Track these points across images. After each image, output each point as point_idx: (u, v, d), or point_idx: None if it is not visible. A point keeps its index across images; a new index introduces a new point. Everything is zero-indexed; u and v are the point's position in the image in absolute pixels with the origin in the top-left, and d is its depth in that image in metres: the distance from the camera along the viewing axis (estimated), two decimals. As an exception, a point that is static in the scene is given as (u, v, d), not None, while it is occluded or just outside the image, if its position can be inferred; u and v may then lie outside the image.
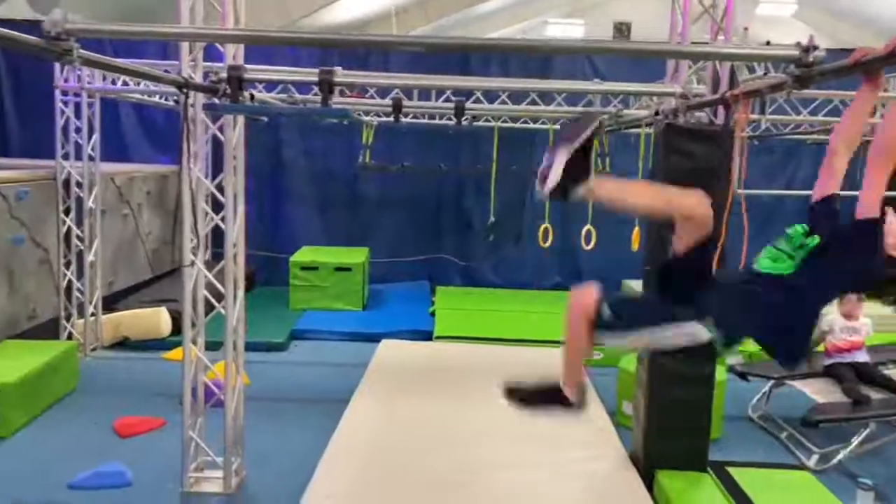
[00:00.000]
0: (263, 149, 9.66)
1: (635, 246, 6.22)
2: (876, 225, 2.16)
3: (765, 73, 5.04)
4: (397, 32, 10.19)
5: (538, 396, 2.55)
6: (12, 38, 2.24)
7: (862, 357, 5.46)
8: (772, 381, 5.67)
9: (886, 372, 5.53)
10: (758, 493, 3.94)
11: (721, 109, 4.07)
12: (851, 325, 5.51)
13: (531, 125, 8.76)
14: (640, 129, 6.95)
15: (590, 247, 6.84)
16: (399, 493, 3.85)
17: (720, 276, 2.45)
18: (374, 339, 7.12)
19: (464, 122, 6.71)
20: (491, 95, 7.44)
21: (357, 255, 9.15)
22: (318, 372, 6.69)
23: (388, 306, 9.07)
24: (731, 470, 4.24)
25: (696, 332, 2.27)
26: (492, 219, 8.10)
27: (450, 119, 7.48)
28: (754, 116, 5.99)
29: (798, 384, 5.47)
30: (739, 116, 3.62)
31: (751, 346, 7.03)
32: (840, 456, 4.84)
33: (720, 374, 4.92)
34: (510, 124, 8.55)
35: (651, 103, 5.94)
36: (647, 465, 4.19)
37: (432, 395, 5.32)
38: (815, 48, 2.59)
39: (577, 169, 2.25)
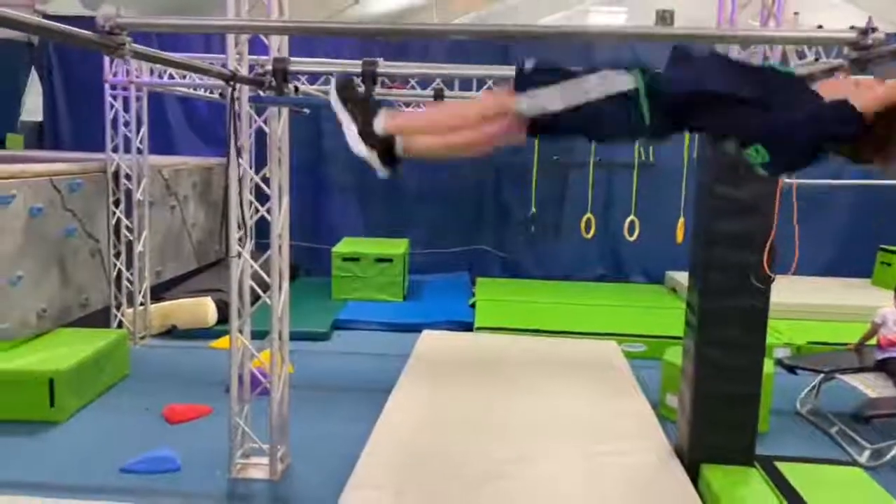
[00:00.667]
0: (305, 140, 9.76)
1: (680, 238, 6.13)
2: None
3: (816, 59, 4.90)
4: (437, 22, 10.18)
5: (360, 108, 2.20)
6: (68, 33, 2.30)
7: (917, 351, 5.30)
8: (821, 375, 5.54)
9: (943, 367, 5.36)
10: (808, 489, 3.85)
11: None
12: (906, 318, 5.35)
13: (573, 115, 8.66)
14: (685, 118, 6.84)
15: (633, 238, 6.76)
16: (440, 483, 3.86)
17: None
18: (415, 329, 7.15)
19: (505, 113, 6.66)
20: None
21: (397, 247, 9.20)
22: (360, 362, 6.76)
23: (428, 297, 9.11)
24: (780, 465, 4.15)
25: (618, 80, 2.09)
26: (533, 210, 8.05)
27: (490, 109, 7.44)
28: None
29: (849, 378, 5.33)
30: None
31: (796, 336, 6.89)
32: (894, 452, 4.70)
33: (768, 366, 4.83)
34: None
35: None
36: (692, 459, 4.12)
37: (474, 386, 5.32)
38: (874, 30, 2.50)
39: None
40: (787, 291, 7.50)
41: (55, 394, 5.05)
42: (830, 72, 2.81)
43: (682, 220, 6.08)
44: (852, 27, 2.65)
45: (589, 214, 7.14)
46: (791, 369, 5.64)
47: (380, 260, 8.87)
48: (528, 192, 8.19)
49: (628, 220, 6.73)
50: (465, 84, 7.07)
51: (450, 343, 6.62)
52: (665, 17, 10.50)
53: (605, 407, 4.94)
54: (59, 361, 5.20)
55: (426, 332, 6.90)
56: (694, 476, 4.03)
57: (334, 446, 4.62)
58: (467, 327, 7.58)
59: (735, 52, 4.13)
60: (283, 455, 4.42)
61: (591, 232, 7.15)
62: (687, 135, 6.89)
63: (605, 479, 3.95)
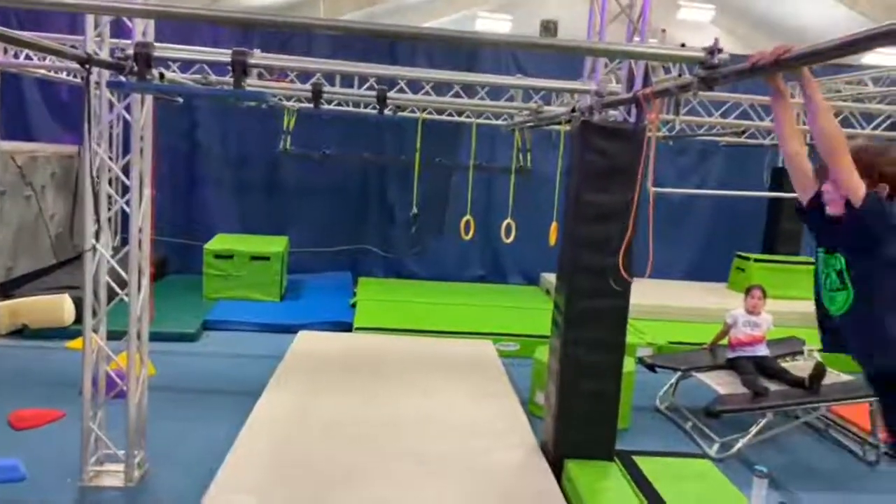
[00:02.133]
0: (179, 132, 9.36)
1: (552, 240, 6.32)
2: (872, 196, 2.27)
3: (679, 75, 5.20)
4: (324, 17, 10.03)
5: None
6: None
7: (762, 351, 5.72)
8: (678, 373, 5.88)
9: (784, 365, 5.82)
10: (661, 480, 4.07)
11: (635, 108, 4.17)
12: (753, 319, 5.76)
13: (456, 118, 8.77)
14: (561, 127, 7.07)
15: (509, 240, 6.92)
16: (306, 485, 3.78)
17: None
18: (292, 330, 6.99)
19: (388, 112, 6.66)
20: (415, 86, 7.40)
21: (276, 244, 8.96)
22: (230, 363, 6.52)
23: (307, 297, 8.93)
24: (637, 459, 4.36)
25: None
26: (414, 210, 8.09)
27: (374, 108, 7.41)
28: (668, 117, 6.18)
29: (702, 376, 5.69)
30: (651, 115, 3.72)
31: (658, 335, 7.29)
32: (739, 445, 5.05)
33: (629, 365, 5.07)
34: (435, 116, 8.54)
35: (571, 101, 6.04)
36: (557, 454, 4.26)
37: (347, 387, 5.27)
38: (720, 51, 2.67)
39: None
40: (651, 294, 7.95)
41: None
42: (682, 88, 2.97)
43: (555, 224, 6.27)
44: (704, 48, 2.83)
45: (468, 216, 7.23)
46: (651, 367, 5.96)
47: (256, 258, 8.59)
48: (411, 192, 8.21)
49: (505, 222, 6.88)
50: (347, 80, 7.00)
51: (326, 343, 6.53)
52: (549, 27, 10.89)
53: (477, 405, 5.03)
54: None
55: (302, 333, 6.77)
56: (558, 471, 4.17)
57: (198, 451, 4.43)
58: (347, 328, 7.50)
59: (601, 64, 4.31)
60: (141, 461, 4.19)
61: (471, 233, 7.25)
62: (561, 142, 7.14)
63: (471, 477, 4.01)
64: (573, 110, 4.57)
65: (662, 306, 8.26)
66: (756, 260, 9.66)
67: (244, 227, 9.83)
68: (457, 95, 7.50)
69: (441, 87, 7.49)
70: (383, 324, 7.43)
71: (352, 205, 10.21)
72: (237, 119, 9.61)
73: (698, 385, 5.72)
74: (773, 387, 5.38)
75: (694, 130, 8.47)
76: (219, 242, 8.83)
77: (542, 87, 5.19)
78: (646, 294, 6.85)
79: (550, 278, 9.21)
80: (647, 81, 4.04)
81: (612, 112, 4.32)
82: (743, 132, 8.25)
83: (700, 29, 13.17)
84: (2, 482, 4.02)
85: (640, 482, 4.07)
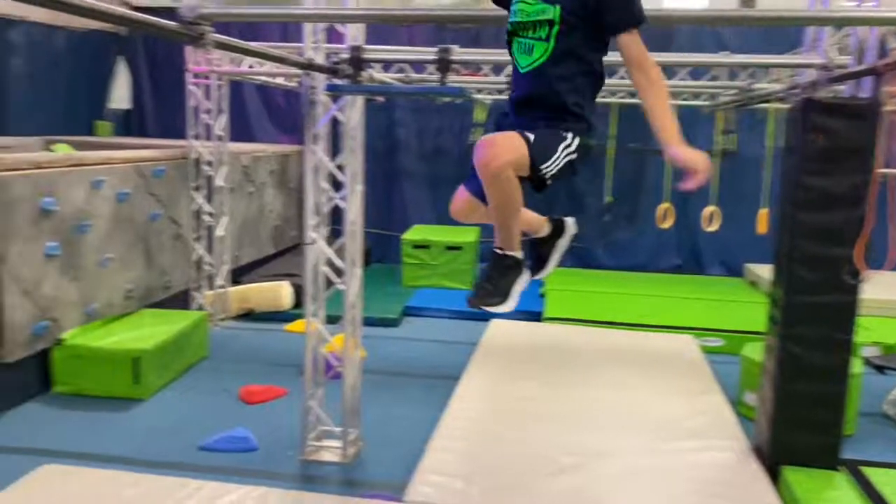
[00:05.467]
0: (378, 129, 9.85)
1: (762, 229, 5.89)
2: None
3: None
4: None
5: (498, 278, 2.56)
6: (154, 24, 2.36)
7: None
8: (914, 377, 5.24)
9: None
10: (897, 496, 3.66)
11: (865, 83, 3.75)
12: None
13: (651, 101, 8.42)
14: (769, 105, 6.54)
15: (713, 228, 6.54)
16: (510, 473, 3.84)
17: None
18: (484, 318, 7.10)
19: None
20: (608, 70, 7.20)
21: (468, 235, 9.18)
22: (429, 348, 6.79)
23: (498, 286, 9.02)
24: (866, 470, 3.95)
25: None
26: (608, 198, 7.88)
27: (564, 96, 7.29)
28: (903, 89, 5.49)
29: (945, 381, 5.03)
30: (889, 89, 3.33)
31: (887, 334, 6.55)
32: None
33: (855, 366, 4.59)
34: (628, 100, 8.26)
35: (781, 77, 5.57)
36: (772, 460, 3.97)
37: (541, 377, 5.27)
38: None
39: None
40: (880, 287, 7.11)
41: (140, 372, 5.26)
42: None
43: (764, 210, 5.83)
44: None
45: (667, 203, 6.92)
46: (880, 369, 5.37)
47: (450, 248, 8.87)
48: (601, 179, 8.01)
49: (709, 209, 6.50)
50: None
51: (518, 333, 6.58)
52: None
53: (681, 402, 4.82)
54: (143, 341, 5.41)
55: (495, 321, 6.86)
56: (774, 478, 3.89)
57: (404, 431, 4.66)
58: (536, 317, 7.50)
59: (825, 35, 3.94)
60: (355, 439, 4.48)
61: (669, 222, 6.93)
62: (770, 121, 6.61)
63: (681, 477, 3.85)
64: (793, 87, 4.20)
65: (891, 301, 7.38)
66: None
67: (438, 218, 10.16)
68: (653, 78, 7.19)
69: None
70: (574, 314, 7.34)
71: (540, 194, 10.16)
72: (431, 115, 9.94)
73: (939, 391, 5.07)
74: None
75: (930, 103, 7.46)
76: (415, 233, 9.22)
77: (755, 63, 4.82)
78: (874, 287, 6.15)
79: (757, 270, 8.59)
80: (883, 51, 3.62)
81: (837, 87, 3.92)
82: None
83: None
84: (237, 451, 4.51)
85: (873, 496, 3.68)
